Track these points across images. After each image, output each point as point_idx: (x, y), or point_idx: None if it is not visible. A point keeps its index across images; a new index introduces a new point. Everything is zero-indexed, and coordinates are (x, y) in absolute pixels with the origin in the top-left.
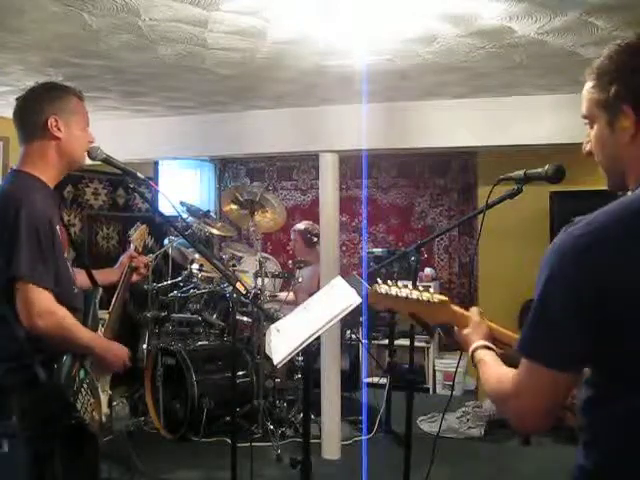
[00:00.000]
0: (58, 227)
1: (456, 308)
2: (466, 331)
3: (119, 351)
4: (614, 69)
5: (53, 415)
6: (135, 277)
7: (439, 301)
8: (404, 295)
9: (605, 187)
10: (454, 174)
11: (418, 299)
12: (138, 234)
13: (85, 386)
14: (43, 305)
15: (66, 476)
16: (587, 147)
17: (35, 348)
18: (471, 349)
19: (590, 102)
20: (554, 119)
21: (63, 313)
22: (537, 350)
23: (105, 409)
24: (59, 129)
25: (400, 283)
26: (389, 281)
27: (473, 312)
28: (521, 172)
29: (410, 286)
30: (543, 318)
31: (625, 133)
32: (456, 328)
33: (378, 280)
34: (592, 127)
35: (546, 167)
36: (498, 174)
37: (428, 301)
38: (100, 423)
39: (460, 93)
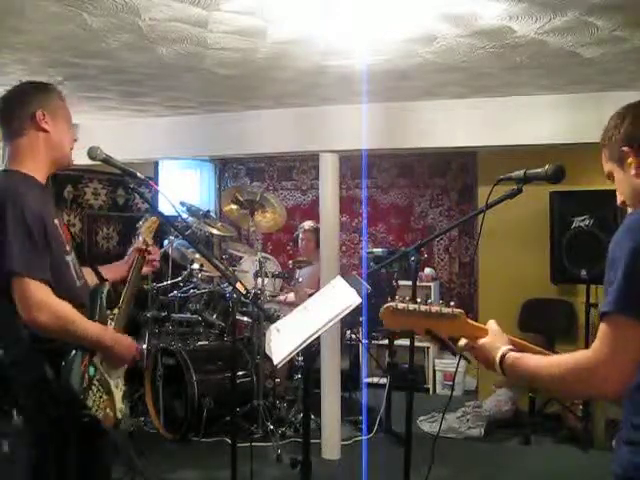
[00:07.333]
0: (57, 221)
1: (471, 321)
2: (485, 340)
3: (128, 344)
4: (611, 127)
5: (63, 414)
6: (146, 269)
7: (455, 314)
8: (420, 309)
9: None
10: (454, 174)
11: (433, 312)
12: (146, 226)
13: (96, 383)
14: (40, 298)
15: (80, 475)
16: (620, 199)
17: (42, 347)
18: (500, 353)
19: (604, 159)
20: (554, 119)
21: (62, 305)
22: (631, 305)
23: (120, 405)
24: (46, 122)
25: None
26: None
27: (491, 323)
28: (521, 172)
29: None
30: (634, 277)
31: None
32: (465, 341)
33: (395, 297)
34: (613, 180)
35: (546, 167)
36: (498, 174)
37: (443, 314)
38: (115, 419)
39: (460, 93)
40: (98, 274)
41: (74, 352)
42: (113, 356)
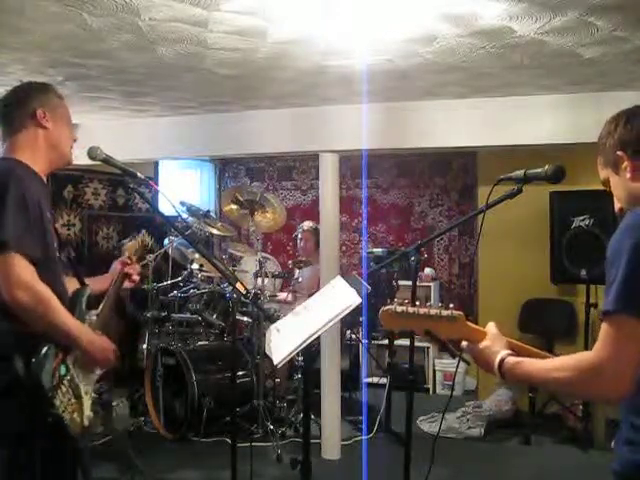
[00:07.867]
0: (49, 216)
1: (471, 324)
2: (484, 344)
3: (105, 346)
4: (605, 134)
5: (30, 414)
6: (127, 284)
7: (454, 316)
8: (419, 312)
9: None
10: (454, 174)
11: (432, 315)
12: (132, 245)
13: (66, 383)
14: (24, 277)
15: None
16: (617, 206)
17: (15, 342)
18: (498, 358)
19: (599, 166)
20: (554, 119)
21: (45, 290)
22: (632, 303)
23: (88, 412)
24: (47, 120)
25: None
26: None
27: (490, 326)
28: (521, 172)
29: (423, 305)
30: (635, 275)
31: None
32: (466, 343)
33: (394, 300)
34: (610, 187)
35: (546, 167)
36: (498, 174)
37: (443, 316)
38: (82, 426)
39: (460, 93)
40: (80, 279)
41: (46, 349)
42: (87, 356)
